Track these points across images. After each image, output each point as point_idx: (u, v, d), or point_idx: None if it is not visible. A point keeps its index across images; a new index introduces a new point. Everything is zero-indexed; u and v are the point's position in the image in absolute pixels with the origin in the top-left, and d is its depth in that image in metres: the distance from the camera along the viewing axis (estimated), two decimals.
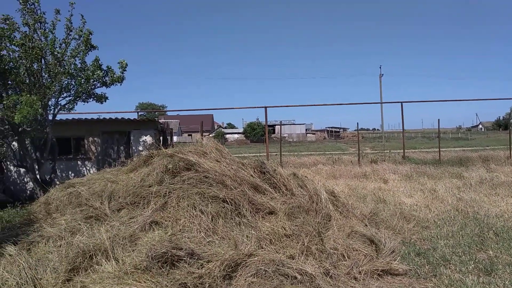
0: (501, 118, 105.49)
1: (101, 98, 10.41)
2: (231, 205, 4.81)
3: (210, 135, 71.57)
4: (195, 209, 4.65)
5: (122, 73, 10.33)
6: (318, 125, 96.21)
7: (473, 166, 14.35)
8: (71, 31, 9.91)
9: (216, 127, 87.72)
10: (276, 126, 68.73)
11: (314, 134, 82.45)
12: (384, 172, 13.35)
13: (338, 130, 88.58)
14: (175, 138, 41.13)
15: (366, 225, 5.98)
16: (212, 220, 4.59)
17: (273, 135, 64.49)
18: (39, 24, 9.47)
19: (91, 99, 10.32)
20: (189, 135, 69.27)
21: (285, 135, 72.95)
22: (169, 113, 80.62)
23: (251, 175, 5.52)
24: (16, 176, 11.67)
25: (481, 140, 44.68)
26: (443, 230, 6.32)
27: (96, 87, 10.22)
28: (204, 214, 4.59)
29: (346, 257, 4.80)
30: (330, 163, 16.77)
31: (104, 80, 10.11)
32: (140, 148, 11.88)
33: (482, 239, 5.77)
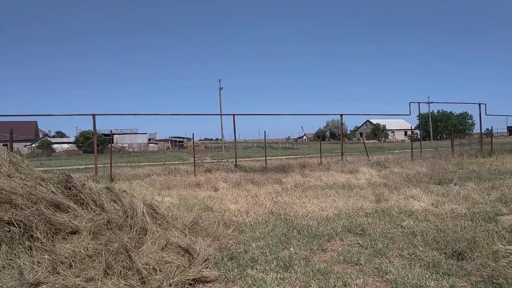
0: (319, 130, 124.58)
1: None
2: (20, 228, 4.11)
3: (33, 145, 62.28)
4: None
5: None
6: (162, 134, 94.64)
7: (292, 172, 16.24)
8: None
9: (41, 135, 76.85)
10: (115, 136, 64.55)
11: (157, 144, 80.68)
12: (217, 180, 13.86)
13: (182, 140, 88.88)
14: None
15: (186, 235, 5.99)
16: None
17: (109, 145, 60.27)
18: None
19: None
20: (4, 145, 58.66)
21: (125, 145, 69.18)
22: None
23: (52, 192, 4.86)
24: None
25: (304, 149, 51.42)
26: (256, 233, 6.82)
27: None
28: None
29: (158, 271, 4.66)
30: (165, 173, 16.54)
31: None
32: None
33: (287, 238, 6.43)
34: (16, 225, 4.10)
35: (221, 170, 17.28)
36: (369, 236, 6.37)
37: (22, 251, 3.96)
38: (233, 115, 18.92)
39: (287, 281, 4.58)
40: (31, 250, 4.05)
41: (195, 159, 19.00)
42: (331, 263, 5.18)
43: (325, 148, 35.50)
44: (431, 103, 69.43)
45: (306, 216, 8.06)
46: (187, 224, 6.61)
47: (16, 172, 4.96)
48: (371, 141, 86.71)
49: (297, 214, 8.30)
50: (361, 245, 5.94)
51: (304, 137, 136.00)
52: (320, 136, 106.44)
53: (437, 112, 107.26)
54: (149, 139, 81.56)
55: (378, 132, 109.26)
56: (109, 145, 59.06)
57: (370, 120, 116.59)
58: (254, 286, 4.48)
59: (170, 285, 4.42)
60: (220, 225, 7.06)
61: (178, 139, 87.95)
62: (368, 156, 21.67)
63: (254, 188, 12.04)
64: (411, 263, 5.02)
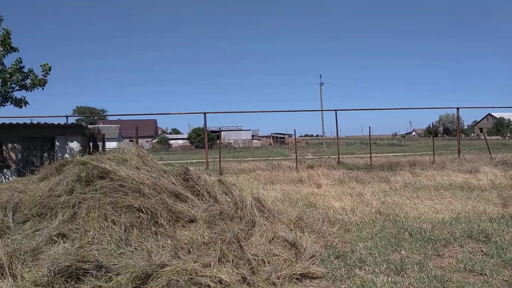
0: (431, 125, 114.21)
1: (20, 102, 9.68)
2: (148, 214, 4.63)
3: (153, 141, 69.67)
4: (106, 220, 4.41)
5: (45, 76, 9.68)
6: (264, 131, 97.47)
7: (400, 171, 15.24)
8: None
9: (160, 132, 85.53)
10: (222, 132, 68.52)
11: (260, 140, 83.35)
12: (319, 177, 13.75)
13: (283, 136, 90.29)
14: (114, 144, 39.44)
15: (291, 230, 6.06)
16: (125, 230, 4.38)
17: (218, 141, 64.17)
18: None
19: (8, 102, 9.54)
20: (130, 140, 66.83)
21: (231, 141, 73.01)
22: (109, 118, 77.21)
23: (173, 183, 5.37)
24: None
25: (413, 146, 47.84)
26: (363, 233, 6.59)
27: (14, 90, 9.47)
28: (116, 225, 4.37)
29: (266, 263, 4.82)
30: (269, 169, 16.97)
31: (23, 83, 9.41)
32: (67, 155, 11.18)
33: (397, 240, 6.08)
34: (144, 212, 4.63)
35: (323, 166, 17.07)
36: (495, 244, 5.66)
37: (149, 235, 4.46)
38: (335, 110, 18.51)
39: (399, 285, 4.32)
40: (157, 235, 4.53)
41: (297, 155, 19.09)
42: (450, 271, 4.74)
43: (438, 145, 32.49)
44: None
45: (418, 218, 7.50)
46: (292, 219, 6.69)
47: (143, 165, 5.60)
48: (493, 137, 76.68)
49: (407, 215, 7.78)
50: (485, 254, 5.31)
51: (413, 133, 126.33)
52: (432, 131, 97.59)
53: None
54: (253, 136, 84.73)
55: (501, 127, 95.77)
56: (218, 141, 63.00)
57: (492, 113, 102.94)
58: (363, 287, 4.33)
59: (278, 277, 4.52)
60: (325, 222, 6.99)
61: (280, 135, 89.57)
62: (490, 154, 19.21)
63: (358, 186, 11.63)
64: None
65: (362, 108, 65.64)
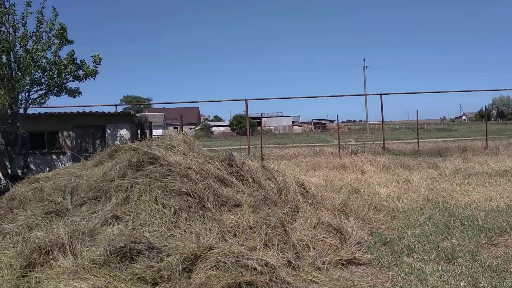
0: (483, 109, 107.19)
1: (74, 93, 10.22)
2: (195, 198, 4.78)
3: (196, 128, 71.26)
4: (157, 203, 4.60)
5: (96, 67, 10.15)
6: (305, 117, 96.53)
7: (450, 157, 14.57)
8: (42, 24, 9.66)
9: (202, 119, 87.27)
10: (262, 119, 68.67)
11: (300, 126, 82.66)
12: (363, 163, 13.46)
13: (324, 122, 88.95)
14: (159, 132, 40.77)
15: (336, 216, 6.01)
16: (175, 213, 4.55)
17: (259, 128, 64.44)
18: (7, 16, 9.21)
19: (64, 93, 10.11)
20: (174, 128, 68.75)
21: (271, 127, 73.05)
22: (154, 106, 79.76)
23: (218, 168, 5.49)
24: None
25: (463, 131, 45.33)
26: (411, 220, 6.41)
27: (69, 81, 10.02)
28: (166, 208, 4.55)
29: (311, 248, 4.83)
30: (311, 155, 16.83)
31: (77, 74, 9.92)
32: (117, 142, 11.73)
33: (448, 228, 5.86)
34: (192, 196, 4.78)
35: (367, 152, 16.67)
36: None
37: (197, 219, 4.61)
38: (380, 94, 17.91)
39: (450, 274, 4.19)
40: (204, 218, 4.68)
41: (340, 140, 18.77)
42: (506, 261, 4.52)
43: (492, 129, 30.47)
44: None
45: (470, 206, 7.18)
46: (336, 205, 6.63)
47: (190, 151, 5.76)
48: None
49: (458, 203, 7.46)
50: None
51: (463, 117, 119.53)
52: (484, 115, 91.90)
53: None
54: (293, 122, 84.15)
55: None
56: (259, 127, 63.26)
57: None
58: (411, 274, 4.24)
59: (323, 262, 4.53)
60: (370, 209, 6.87)
61: (321, 121, 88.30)
62: None
63: (405, 172, 11.27)
64: None
65: (409, 92, 62.85)
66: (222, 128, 73.20)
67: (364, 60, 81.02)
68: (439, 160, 13.47)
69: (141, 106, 62.82)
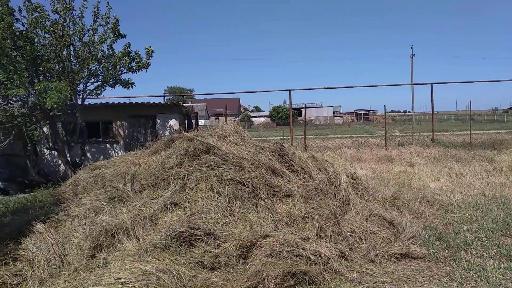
0: None
1: (127, 84, 10.68)
2: (248, 187, 4.88)
3: (236, 119, 71.95)
4: (212, 191, 4.76)
5: (148, 59, 10.54)
6: (346, 107, 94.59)
7: (506, 150, 13.75)
8: (98, 18, 10.15)
9: (242, 110, 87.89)
10: (303, 109, 68.02)
11: (341, 117, 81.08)
12: (411, 155, 13.05)
13: (367, 112, 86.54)
14: (202, 122, 41.62)
15: (387, 209, 5.92)
16: (229, 201, 4.69)
17: (299, 118, 63.96)
18: (68, 12, 9.75)
19: (118, 84, 10.61)
20: (216, 118, 69.85)
21: (312, 118, 72.24)
22: (196, 97, 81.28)
23: (269, 158, 5.56)
24: (49, 159, 12.24)
25: None
26: (466, 215, 6.18)
27: (123, 72, 10.49)
28: (221, 196, 4.70)
29: (363, 240, 4.80)
30: (355, 146, 16.52)
31: (130, 66, 10.35)
32: (167, 132, 12.16)
33: (507, 224, 5.60)
34: (245, 185, 4.90)
35: (415, 144, 16.11)
36: None
37: (250, 207, 4.72)
38: (431, 84, 17.10)
39: None
40: (257, 207, 4.78)
41: (386, 132, 18.25)
42: None
43: None
44: None
45: None
46: (387, 198, 6.52)
47: (241, 141, 5.86)
48: None
49: None
50: None
51: None
52: None
53: None
54: (334, 112, 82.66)
55: None
56: (299, 118, 62.78)
57: None
58: (470, 271, 4.11)
59: (376, 255, 4.50)
60: (423, 203, 6.69)
61: (363, 112, 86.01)
62: None
63: (457, 165, 10.80)
64: None
65: (463, 81, 59.64)
66: (261, 119, 73.39)
67: (411, 47, 77.20)
68: (493, 153, 12.76)
69: (184, 97, 64.33)
